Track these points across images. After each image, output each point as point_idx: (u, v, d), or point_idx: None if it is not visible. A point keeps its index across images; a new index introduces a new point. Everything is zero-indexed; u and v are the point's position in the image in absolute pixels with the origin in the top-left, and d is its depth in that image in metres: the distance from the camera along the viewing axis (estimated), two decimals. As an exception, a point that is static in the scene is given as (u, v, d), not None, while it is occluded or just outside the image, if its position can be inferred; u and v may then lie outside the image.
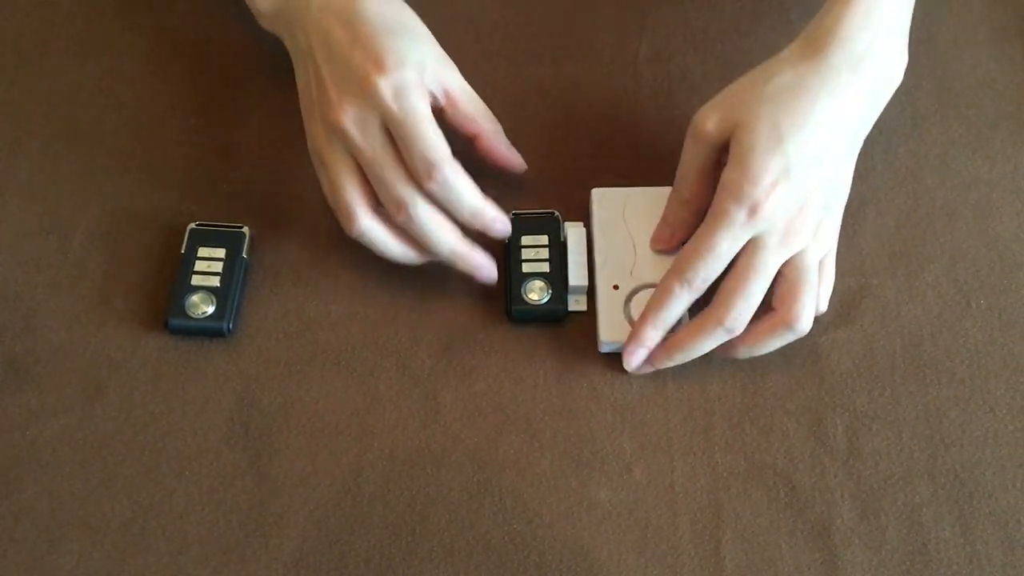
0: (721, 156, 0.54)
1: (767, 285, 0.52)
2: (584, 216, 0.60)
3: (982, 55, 0.66)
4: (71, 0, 0.67)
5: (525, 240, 0.58)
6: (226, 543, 0.52)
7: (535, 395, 0.56)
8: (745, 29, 0.67)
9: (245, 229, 0.58)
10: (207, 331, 0.56)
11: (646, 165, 0.62)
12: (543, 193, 0.61)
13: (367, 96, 0.52)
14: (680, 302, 0.53)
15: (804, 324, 0.52)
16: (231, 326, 0.56)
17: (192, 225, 0.58)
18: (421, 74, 0.53)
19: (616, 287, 0.57)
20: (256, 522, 0.52)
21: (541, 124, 0.64)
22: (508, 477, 0.53)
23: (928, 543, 0.52)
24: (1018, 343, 0.57)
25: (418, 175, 0.52)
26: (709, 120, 0.53)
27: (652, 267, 0.57)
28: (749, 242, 0.52)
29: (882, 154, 0.62)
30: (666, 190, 0.58)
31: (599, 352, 0.56)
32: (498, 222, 0.55)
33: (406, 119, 0.51)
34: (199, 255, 0.57)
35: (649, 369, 0.55)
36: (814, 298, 0.53)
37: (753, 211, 0.51)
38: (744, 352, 0.54)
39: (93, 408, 0.55)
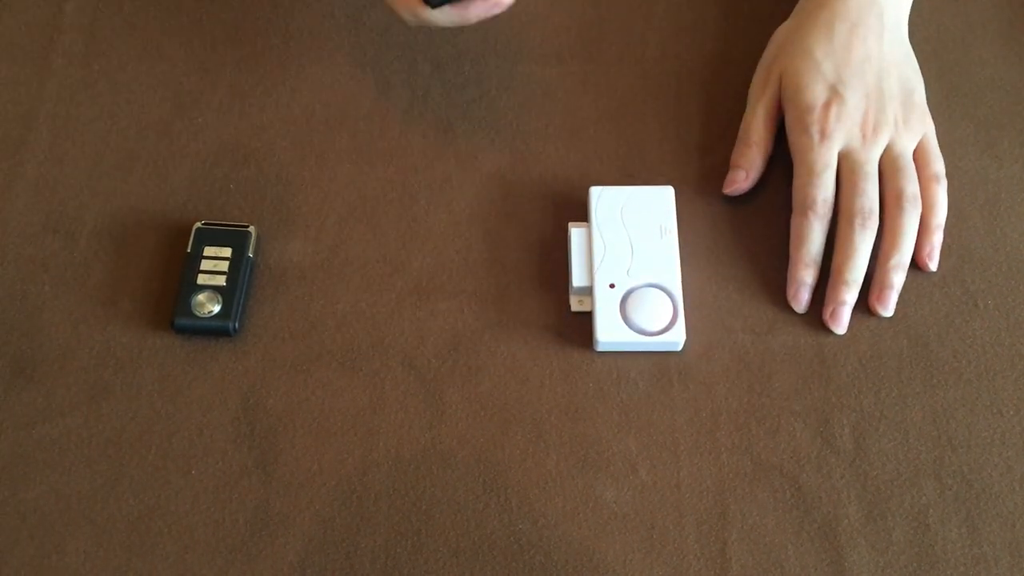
0: (779, 103, 0.61)
1: (874, 179, 0.58)
2: (584, 214, 0.59)
3: (990, 54, 0.65)
4: (78, 1, 0.68)
5: (208, 251, 0.57)
6: (232, 542, 0.52)
7: (541, 395, 0.55)
8: (750, 28, 0.66)
9: (251, 228, 0.58)
10: (213, 330, 0.56)
11: (647, 164, 0.62)
12: (543, 192, 0.61)
13: None
14: (814, 230, 0.57)
15: (911, 189, 0.57)
16: (237, 325, 0.56)
17: (198, 224, 0.58)
18: None
19: (613, 286, 0.56)
20: (262, 521, 0.52)
21: (544, 121, 0.64)
22: (514, 477, 0.53)
23: (935, 544, 0.52)
24: (1026, 344, 0.57)
25: None
26: (757, 79, 0.62)
27: (649, 267, 0.57)
28: (842, 152, 0.58)
29: (889, 153, 0.62)
30: (664, 189, 0.59)
31: (599, 351, 0.56)
32: None
33: None
34: (205, 254, 0.57)
35: (845, 315, 0.57)
36: (913, 174, 0.58)
37: (823, 134, 0.58)
38: (901, 243, 0.57)
39: (99, 407, 0.55)
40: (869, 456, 0.54)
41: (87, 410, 0.55)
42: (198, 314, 0.56)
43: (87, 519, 0.52)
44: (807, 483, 0.53)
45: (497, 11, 0.56)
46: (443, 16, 0.56)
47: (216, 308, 0.56)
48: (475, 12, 0.55)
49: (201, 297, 0.56)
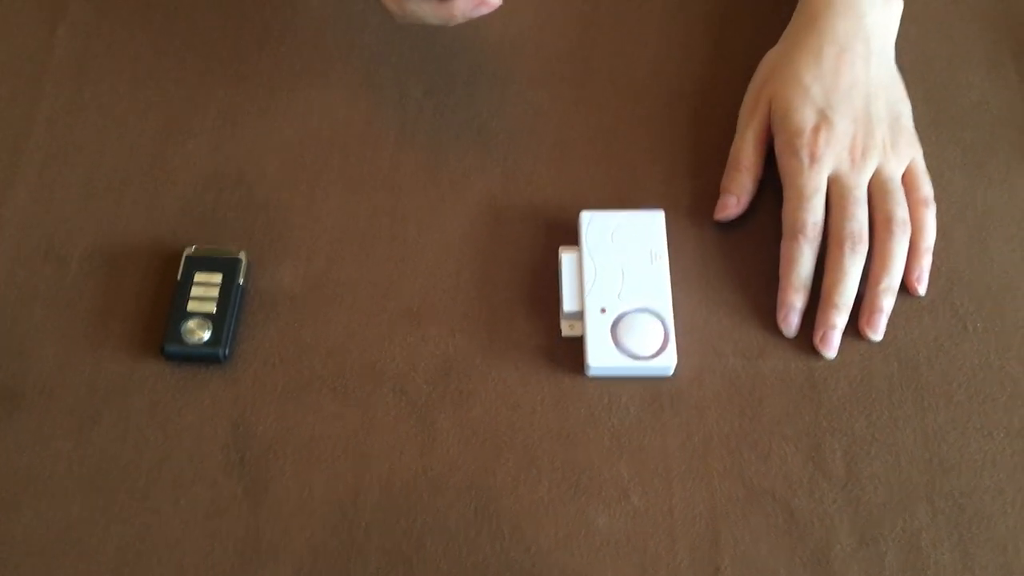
0: (768, 128, 0.61)
1: (863, 203, 0.58)
2: (575, 238, 0.60)
3: (976, 78, 0.66)
4: (69, 25, 0.67)
5: (198, 277, 0.57)
6: (222, 571, 0.51)
7: (532, 421, 0.55)
8: (739, 53, 0.67)
9: (241, 255, 0.58)
10: (203, 357, 0.56)
11: (637, 188, 0.62)
12: (534, 215, 0.61)
13: None
14: (804, 254, 0.58)
15: (901, 213, 0.58)
16: (227, 352, 0.56)
17: (189, 251, 0.58)
18: None
19: (604, 310, 0.57)
20: (252, 550, 0.52)
21: (535, 145, 0.64)
22: (505, 504, 0.53)
23: (927, 568, 0.52)
24: (1015, 366, 0.57)
25: None
26: (747, 104, 0.63)
27: (640, 291, 0.57)
28: (831, 176, 0.58)
29: (878, 177, 0.62)
30: (655, 213, 0.59)
31: (591, 376, 0.56)
32: None
33: None
34: (195, 281, 0.57)
35: (835, 339, 0.57)
36: (902, 198, 0.58)
37: (813, 158, 0.58)
38: (891, 267, 0.57)
39: (89, 434, 0.55)
40: (861, 480, 0.54)
41: (76, 437, 0.54)
42: (188, 341, 0.55)
43: (76, 547, 0.52)
44: (799, 508, 0.53)
45: (484, 11, 0.55)
46: (427, 10, 0.55)
47: (206, 335, 0.56)
48: (460, 9, 0.55)
49: (191, 324, 0.56)
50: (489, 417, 0.55)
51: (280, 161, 0.63)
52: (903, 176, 0.60)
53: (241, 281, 0.58)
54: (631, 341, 0.56)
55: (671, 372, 0.56)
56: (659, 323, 0.56)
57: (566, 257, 0.59)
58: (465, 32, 0.67)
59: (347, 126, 0.64)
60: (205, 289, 0.57)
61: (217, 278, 0.57)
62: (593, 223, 0.59)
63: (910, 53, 0.66)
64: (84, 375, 0.56)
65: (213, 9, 0.68)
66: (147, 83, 0.65)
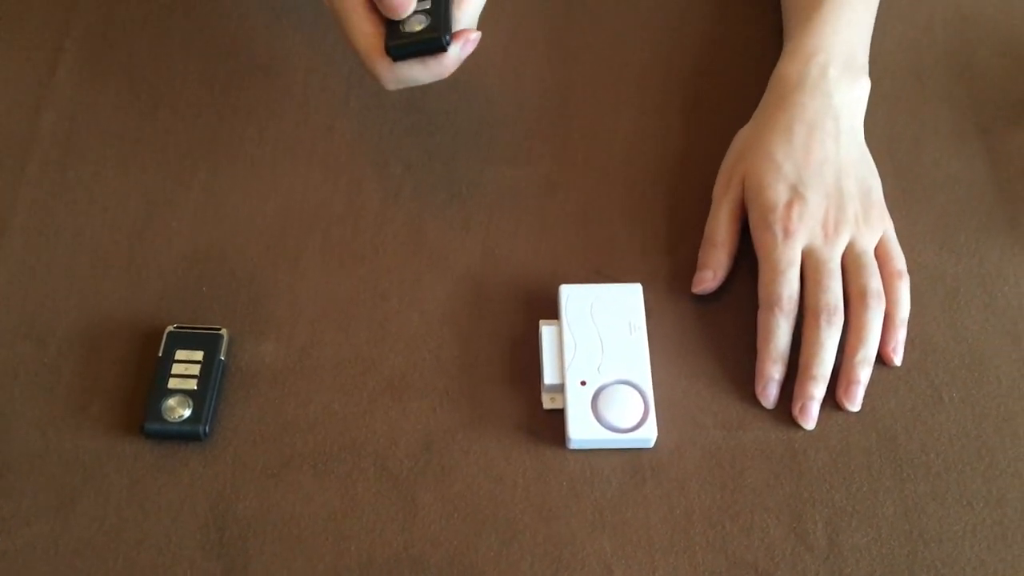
0: (742, 204, 0.63)
1: (838, 276, 0.59)
2: (555, 312, 0.60)
3: (942, 153, 0.68)
4: (55, 107, 0.69)
5: (179, 354, 0.57)
6: (199, 654, 0.50)
7: (514, 495, 0.55)
8: (712, 131, 0.68)
9: (223, 331, 0.58)
10: (183, 435, 0.56)
11: (615, 262, 0.63)
12: (514, 290, 0.62)
13: None
14: (780, 326, 0.58)
15: (875, 285, 0.59)
16: (207, 429, 0.56)
17: (170, 328, 0.58)
18: None
19: (584, 383, 0.57)
20: (230, 632, 0.51)
21: (514, 220, 0.65)
22: (487, 580, 0.53)
23: (912, 641, 0.51)
24: (991, 436, 0.57)
25: None
26: (720, 181, 0.64)
27: (619, 364, 0.58)
28: (805, 250, 0.59)
29: (851, 250, 0.63)
30: (632, 287, 0.60)
31: (572, 449, 0.56)
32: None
33: None
34: (176, 358, 0.57)
35: (813, 410, 0.58)
36: (875, 271, 0.60)
37: (787, 232, 0.59)
38: (866, 339, 0.58)
39: (67, 515, 0.54)
40: (843, 552, 0.54)
41: (54, 518, 0.54)
42: (168, 419, 0.55)
43: (50, 633, 0.51)
44: (782, 581, 0.53)
45: (471, 48, 0.56)
46: (420, 71, 0.56)
47: (187, 412, 0.56)
48: (450, 60, 0.56)
49: (171, 401, 0.56)
50: (471, 492, 0.55)
51: (262, 238, 0.64)
52: (876, 249, 0.61)
53: (222, 357, 0.58)
54: (611, 414, 0.56)
55: (652, 444, 0.57)
56: (639, 395, 0.57)
57: (546, 330, 0.59)
58: (445, 109, 0.69)
59: (328, 203, 0.65)
60: (186, 366, 0.57)
61: (198, 355, 0.57)
62: (572, 297, 0.60)
63: (879, 130, 0.68)
64: (63, 455, 0.56)
65: (197, 90, 0.70)
66: (131, 165, 0.66)
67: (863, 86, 0.65)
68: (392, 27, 0.55)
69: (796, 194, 0.60)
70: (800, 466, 0.56)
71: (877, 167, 0.64)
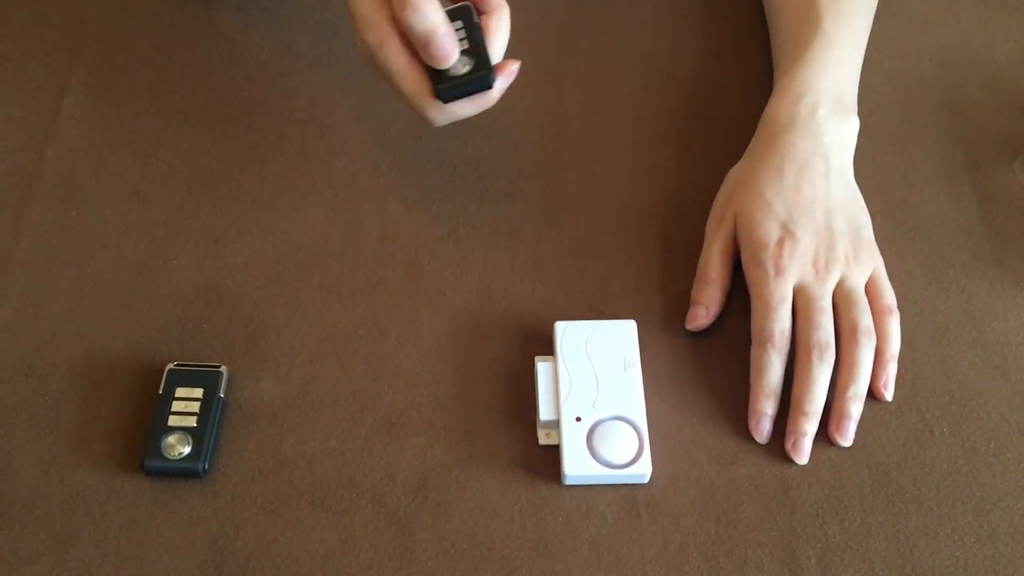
0: (734, 241, 0.64)
1: (829, 313, 0.60)
2: (550, 348, 0.61)
3: (931, 191, 0.69)
4: (58, 147, 0.70)
5: (179, 392, 0.58)
6: None
7: (511, 531, 0.56)
8: (704, 169, 0.70)
9: (223, 368, 0.59)
10: (183, 472, 0.56)
11: (609, 299, 0.64)
12: (510, 327, 0.63)
13: None
14: (772, 362, 0.59)
15: (865, 322, 0.60)
16: (207, 466, 0.56)
17: (170, 365, 0.59)
18: None
19: (579, 419, 0.58)
20: (229, 669, 0.51)
21: (510, 258, 0.66)
22: (484, 617, 0.53)
23: (905, 677, 0.52)
24: (982, 471, 0.58)
25: None
26: (713, 219, 0.65)
27: (614, 399, 0.58)
28: (796, 287, 0.60)
29: (842, 286, 0.64)
30: (627, 323, 0.61)
31: (568, 484, 0.57)
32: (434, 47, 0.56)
33: None
34: (176, 395, 0.58)
35: (806, 446, 0.59)
36: (866, 308, 0.60)
37: (778, 269, 0.60)
38: (858, 375, 0.59)
39: (67, 553, 0.54)
40: (836, 587, 0.54)
41: (54, 556, 0.54)
42: (168, 456, 0.56)
43: (49, 670, 0.51)
44: (776, 616, 0.53)
45: (512, 78, 0.58)
46: (468, 107, 0.58)
47: (186, 449, 0.56)
48: (496, 92, 0.58)
49: (171, 439, 0.56)
50: (467, 528, 0.56)
51: (262, 277, 0.64)
52: (866, 286, 0.62)
53: (222, 395, 0.59)
54: (606, 450, 0.57)
55: (647, 479, 0.57)
56: (633, 431, 0.58)
57: (542, 367, 0.60)
58: (442, 148, 0.70)
59: (327, 242, 0.66)
60: (186, 404, 0.58)
61: (198, 392, 0.58)
62: (567, 333, 0.61)
63: (868, 168, 0.69)
64: (63, 493, 0.56)
65: (198, 131, 0.71)
66: (133, 203, 0.67)
67: (852, 125, 0.66)
68: (437, 70, 0.57)
69: (787, 232, 0.61)
70: (793, 501, 0.57)
71: (867, 205, 0.65)
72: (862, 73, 0.70)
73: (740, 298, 0.63)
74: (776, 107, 0.66)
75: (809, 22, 0.68)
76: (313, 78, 0.73)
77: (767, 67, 0.73)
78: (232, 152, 0.70)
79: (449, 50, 0.55)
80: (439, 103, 0.57)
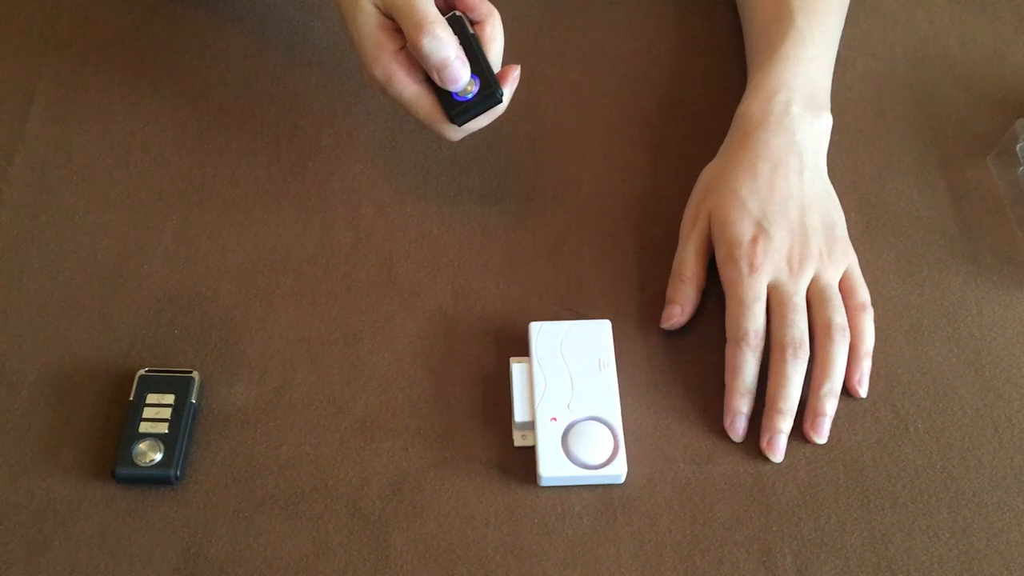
0: (709, 240, 0.64)
1: (803, 311, 0.60)
2: (525, 349, 0.61)
3: (904, 187, 0.69)
4: (27, 152, 0.69)
5: (151, 398, 0.57)
6: None
7: (486, 533, 0.56)
8: (678, 168, 0.70)
9: (195, 374, 0.59)
10: (154, 479, 0.56)
11: (584, 299, 0.64)
12: (484, 328, 0.62)
13: None
14: (747, 360, 0.59)
15: (839, 319, 0.60)
16: (179, 473, 0.56)
17: (142, 371, 0.59)
18: None
19: (554, 419, 0.57)
20: (202, 677, 0.51)
21: (484, 259, 0.65)
22: (459, 620, 0.53)
23: (881, 673, 0.52)
24: (957, 466, 0.58)
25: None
26: (687, 218, 0.65)
27: (589, 400, 0.58)
28: (771, 285, 0.60)
29: (816, 283, 0.64)
30: (601, 323, 0.61)
31: (543, 486, 0.57)
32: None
33: None
34: (148, 401, 0.57)
35: (781, 444, 0.59)
36: (840, 305, 0.60)
37: (752, 267, 0.60)
38: (832, 372, 0.59)
39: (37, 562, 0.54)
40: (812, 585, 0.54)
41: (24, 566, 0.54)
42: (139, 463, 0.55)
43: None
44: (752, 615, 0.53)
45: (516, 84, 0.62)
46: (484, 121, 0.62)
47: (158, 456, 0.56)
48: (506, 103, 0.61)
49: (143, 446, 0.56)
50: (443, 531, 0.56)
51: (234, 281, 0.64)
52: (840, 283, 0.62)
53: (194, 400, 0.58)
54: (581, 450, 0.57)
55: (622, 480, 0.57)
56: (609, 431, 0.57)
57: (516, 368, 0.60)
58: (415, 149, 0.70)
59: (300, 245, 0.66)
60: (157, 410, 0.57)
61: (170, 398, 0.57)
62: (542, 334, 0.61)
63: (842, 165, 0.69)
64: (34, 502, 0.56)
65: (169, 135, 0.70)
66: (103, 208, 0.67)
67: (825, 122, 0.66)
68: (447, 92, 0.59)
69: (761, 230, 0.61)
70: (769, 499, 0.57)
71: (840, 201, 0.65)
72: (835, 70, 0.70)
73: (715, 297, 0.63)
74: (750, 104, 0.66)
75: (782, 19, 0.68)
76: (285, 80, 0.73)
77: (741, 65, 0.73)
78: (204, 155, 0.69)
79: (462, 74, 0.58)
80: (454, 126, 0.61)
